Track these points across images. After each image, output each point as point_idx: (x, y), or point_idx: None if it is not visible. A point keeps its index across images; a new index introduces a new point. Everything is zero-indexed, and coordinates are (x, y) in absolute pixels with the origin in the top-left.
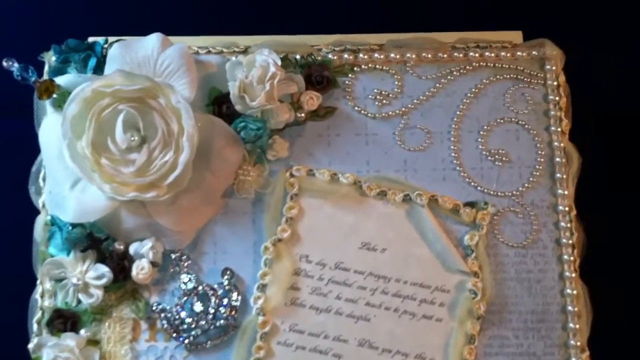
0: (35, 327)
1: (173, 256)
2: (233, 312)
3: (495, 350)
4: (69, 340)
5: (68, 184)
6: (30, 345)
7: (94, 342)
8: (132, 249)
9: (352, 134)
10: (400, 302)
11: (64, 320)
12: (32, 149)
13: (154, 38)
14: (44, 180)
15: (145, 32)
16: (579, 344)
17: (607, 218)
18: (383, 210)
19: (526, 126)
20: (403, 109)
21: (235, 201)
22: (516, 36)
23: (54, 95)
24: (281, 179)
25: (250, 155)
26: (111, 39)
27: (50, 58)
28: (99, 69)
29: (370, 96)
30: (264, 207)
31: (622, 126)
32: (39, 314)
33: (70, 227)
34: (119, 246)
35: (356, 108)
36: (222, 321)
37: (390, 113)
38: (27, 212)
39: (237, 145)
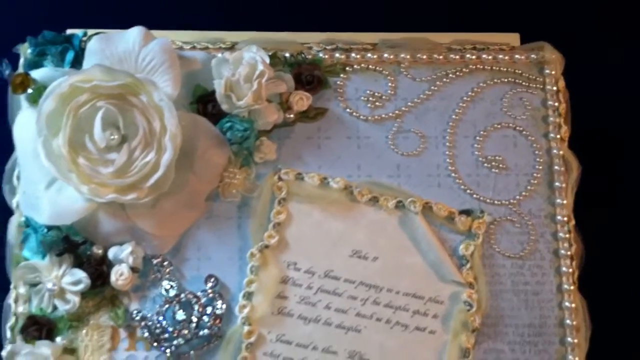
0: (8, 333)
1: (154, 262)
2: (217, 321)
3: None
4: (44, 348)
5: (43, 184)
6: (3, 353)
7: (70, 350)
8: (110, 254)
9: (343, 137)
10: (392, 313)
11: (39, 327)
12: (6, 146)
13: (136, 31)
14: (18, 179)
15: (126, 25)
16: (577, 358)
17: (607, 229)
18: (374, 217)
19: (524, 132)
20: (396, 111)
21: (220, 205)
22: (513, 38)
23: (29, 90)
24: (268, 182)
25: (236, 157)
26: (90, 31)
27: (25, 50)
28: (77, 63)
29: (362, 98)
30: (250, 211)
31: (623, 134)
32: (12, 320)
33: (45, 230)
34: (97, 250)
35: (348, 110)
36: (205, 330)
37: (383, 116)
38: (0, 213)
39: (222, 147)
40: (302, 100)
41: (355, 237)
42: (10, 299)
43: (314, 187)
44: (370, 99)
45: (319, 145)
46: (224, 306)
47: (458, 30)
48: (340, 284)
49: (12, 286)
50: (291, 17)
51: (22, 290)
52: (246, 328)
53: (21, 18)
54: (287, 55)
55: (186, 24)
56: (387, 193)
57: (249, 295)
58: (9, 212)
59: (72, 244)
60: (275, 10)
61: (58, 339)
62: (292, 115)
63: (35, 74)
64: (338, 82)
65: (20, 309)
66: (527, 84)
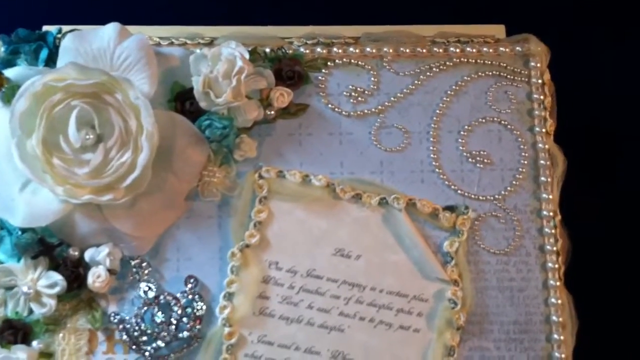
0: None
1: (132, 263)
2: (197, 323)
3: None
4: (20, 352)
5: (17, 185)
6: None
7: (47, 354)
8: (87, 256)
9: (325, 133)
10: (376, 312)
11: (15, 332)
12: None
13: (111, 28)
14: None
15: (102, 21)
16: (563, 355)
17: (593, 224)
18: (357, 215)
19: (509, 126)
20: (379, 107)
21: (200, 204)
22: (498, 30)
23: (2, 89)
24: (249, 180)
25: (215, 155)
26: (65, 28)
27: None
28: (51, 61)
29: (344, 93)
30: (231, 210)
31: (609, 128)
32: None
33: (20, 232)
34: (74, 252)
35: (330, 105)
36: (185, 332)
37: (365, 111)
38: None
39: (201, 145)
40: (282, 97)
41: (338, 235)
42: None
43: (296, 184)
44: (353, 94)
45: (300, 142)
46: (204, 307)
47: (442, 22)
48: (322, 283)
49: None
50: (271, 11)
51: None
52: (227, 329)
53: None
54: (267, 50)
55: (163, 19)
56: (370, 190)
57: (229, 296)
58: None
59: (47, 246)
60: (254, 5)
61: (34, 343)
62: (272, 112)
63: (9, 72)
64: (319, 78)
65: None
66: (512, 77)
